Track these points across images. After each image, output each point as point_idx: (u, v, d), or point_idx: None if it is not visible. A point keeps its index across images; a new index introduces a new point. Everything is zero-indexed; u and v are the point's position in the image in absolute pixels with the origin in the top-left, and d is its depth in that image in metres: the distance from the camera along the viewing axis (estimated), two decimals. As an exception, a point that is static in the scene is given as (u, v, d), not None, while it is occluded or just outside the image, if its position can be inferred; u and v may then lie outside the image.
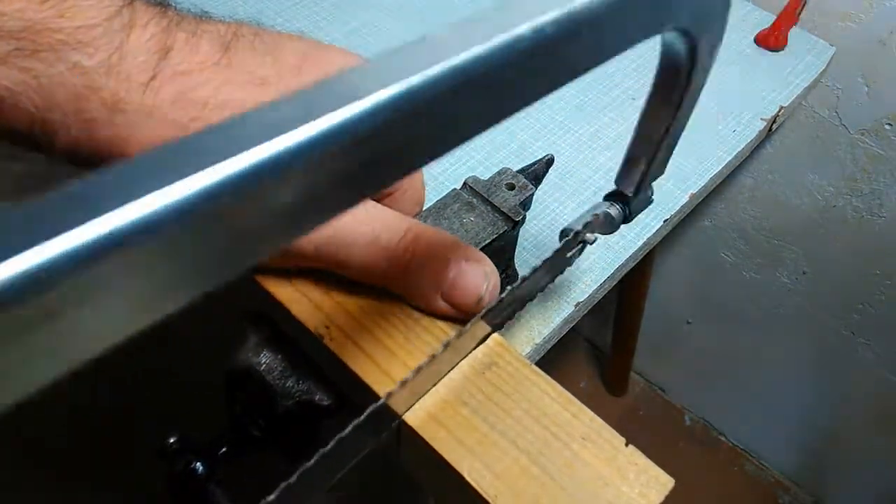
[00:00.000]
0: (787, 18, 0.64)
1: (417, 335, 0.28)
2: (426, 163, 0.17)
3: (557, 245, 0.31)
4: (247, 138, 0.12)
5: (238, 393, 0.31)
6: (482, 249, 0.35)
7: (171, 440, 0.30)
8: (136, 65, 0.25)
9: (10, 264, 0.09)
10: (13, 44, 0.23)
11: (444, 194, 0.38)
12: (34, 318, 0.10)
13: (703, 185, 0.52)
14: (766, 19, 0.66)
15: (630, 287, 0.98)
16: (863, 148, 0.72)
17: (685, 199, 0.50)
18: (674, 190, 0.51)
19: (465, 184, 0.37)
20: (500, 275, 0.42)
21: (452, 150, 0.18)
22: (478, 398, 0.27)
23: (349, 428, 0.24)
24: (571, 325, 0.45)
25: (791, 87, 0.60)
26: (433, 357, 0.27)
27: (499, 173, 0.38)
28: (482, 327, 0.28)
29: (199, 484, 0.30)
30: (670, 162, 0.53)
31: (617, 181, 0.29)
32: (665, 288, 1.05)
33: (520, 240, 0.45)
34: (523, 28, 0.16)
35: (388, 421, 0.26)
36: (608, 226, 0.32)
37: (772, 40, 0.63)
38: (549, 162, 0.40)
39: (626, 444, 0.26)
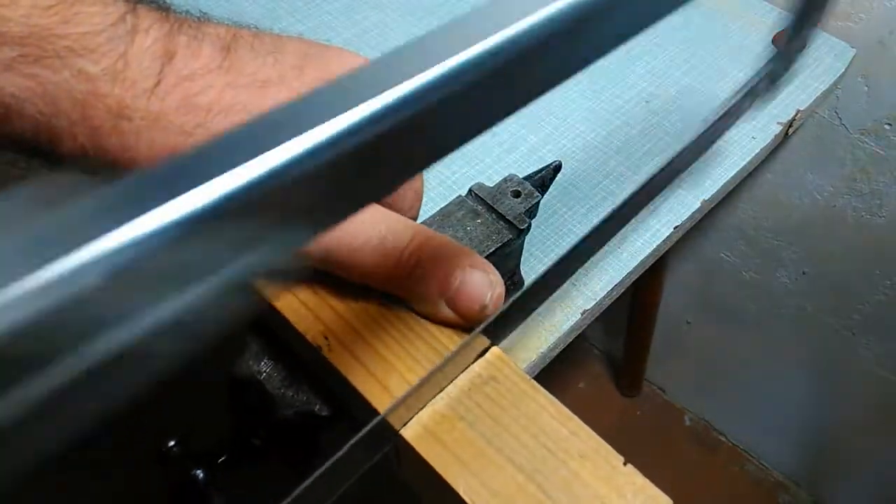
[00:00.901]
0: (807, 19, 0.62)
1: (417, 348, 0.28)
2: (448, 153, 0.17)
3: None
4: (265, 141, 0.12)
5: (238, 401, 0.31)
6: (486, 258, 0.35)
7: (171, 444, 0.30)
8: (141, 71, 0.25)
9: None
10: (18, 49, 0.23)
11: (449, 200, 0.37)
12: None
13: (716, 191, 0.51)
14: (784, 20, 0.64)
15: (643, 293, 0.98)
16: (863, 148, 0.71)
17: (697, 205, 0.50)
18: (686, 196, 0.50)
19: (470, 191, 0.37)
20: (506, 282, 0.41)
21: (477, 136, 0.17)
22: (475, 413, 0.27)
23: (347, 445, 0.24)
24: (578, 332, 0.44)
25: (809, 90, 0.59)
26: (432, 371, 0.27)
27: (505, 180, 0.38)
28: (482, 340, 0.28)
29: (199, 491, 0.30)
30: (685, 171, 0.52)
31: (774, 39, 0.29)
32: (665, 288, 1.05)
33: (526, 246, 0.45)
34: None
35: (385, 435, 0.26)
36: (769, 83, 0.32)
37: (790, 42, 0.62)
38: (556, 168, 0.40)
39: (625, 464, 0.26)
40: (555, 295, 0.44)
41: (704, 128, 0.31)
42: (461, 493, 0.24)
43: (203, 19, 0.28)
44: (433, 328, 0.29)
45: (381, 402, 0.26)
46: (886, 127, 0.68)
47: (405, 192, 0.33)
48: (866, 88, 0.67)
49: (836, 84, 0.62)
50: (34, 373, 0.10)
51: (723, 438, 1.23)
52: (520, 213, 0.36)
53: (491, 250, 0.35)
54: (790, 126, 0.57)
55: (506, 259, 0.38)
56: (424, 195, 0.49)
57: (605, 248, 0.47)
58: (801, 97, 0.58)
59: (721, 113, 0.31)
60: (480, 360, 0.28)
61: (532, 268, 0.45)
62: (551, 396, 0.27)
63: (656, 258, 0.49)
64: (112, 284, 0.10)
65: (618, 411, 1.27)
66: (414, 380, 0.27)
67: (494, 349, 0.28)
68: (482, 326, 0.28)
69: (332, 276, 0.29)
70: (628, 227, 0.48)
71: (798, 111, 0.57)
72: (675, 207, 0.49)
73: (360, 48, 0.59)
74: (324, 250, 0.27)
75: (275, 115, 0.13)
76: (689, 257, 0.98)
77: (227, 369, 0.30)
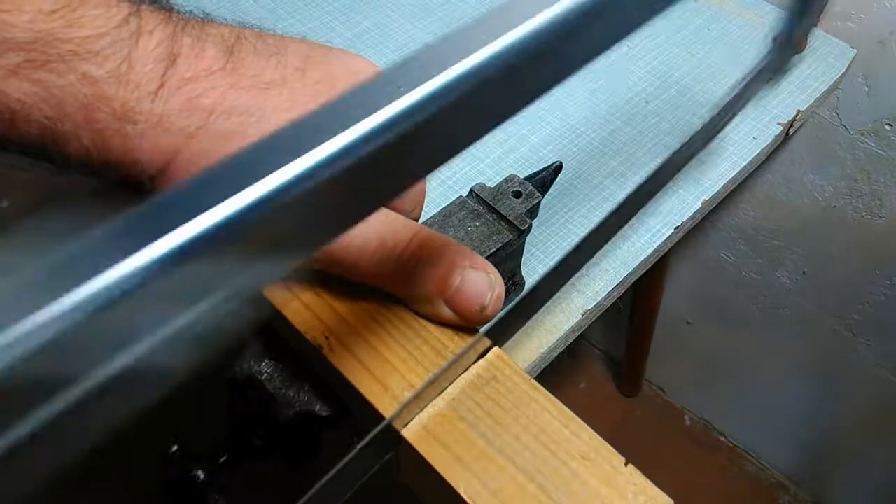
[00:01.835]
0: (807, 20, 0.62)
1: (417, 348, 0.28)
2: (455, 154, 0.17)
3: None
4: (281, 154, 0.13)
5: (239, 401, 0.31)
6: (487, 258, 0.35)
7: (173, 448, 0.30)
8: (145, 73, 0.25)
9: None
10: (23, 55, 0.23)
11: (451, 199, 0.37)
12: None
13: (716, 191, 0.51)
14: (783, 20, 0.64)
15: (644, 294, 0.98)
16: (863, 148, 0.71)
17: (697, 205, 0.50)
18: (686, 196, 0.50)
19: (471, 191, 0.37)
20: (507, 283, 0.41)
21: (482, 138, 0.18)
22: (476, 413, 0.27)
23: (347, 445, 0.24)
24: (579, 332, 0.44)
25: (810, 91, 0.59)
26: (433, 371, 0.27)
27: (506, 181, 0.38)
28: (483, 341, 0.28)
29: (200, 491, 0.30)
30: (684, 168, 0.52)
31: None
32: (665, 288, 1.05)
33: (527, 247, 0.45)
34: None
35: (386, 435, 0.26)
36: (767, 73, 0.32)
37: (791, 42, 0.62)
38: (557, 169, 0.40)
39: (626, 464, 0.26)
40: (555, 296, 0.44)
41: (699, 128, 0.31)
42: (462, 493, 0.24)
43: (207, 20, 0.28)
44: (434, 329, 0.29)
45: (381, 403, 0.26)
46: (886, 127, 0.68)
47: (408, 193, 0.33)
48: (866, 88, 0.67)
49: (836, 84, 0.62)
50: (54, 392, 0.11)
51: (723, 438, 1.23)
52: (521, 214, 0.36)
53: (492, 251, 0.35)
54: (790, 126, 0.57)
55: (507, 260, 0.38)
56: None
57: (606, 248, 0.47)
58: (801, 97, 0.58)
59: (715, 112, 0.31)
60: (481, 361, 0.28)
61: (533, 268, 0.45)
62: (552, 397, 0.27)
63: (657, 258, 0.49)
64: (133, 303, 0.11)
65: (618, 411, 1.27)
66: (415, 380, 0.27)
67: (495, 350, 0.28)
68: (485, 328, 0.28)
69: (332, 276, 0.29)
70: (628, 227, 0.48)
71: (798, 111, 0.57)
72: (676, 207, 0.49)
73: (360, 48, 0.59)
74: (324, 250, 0.27)
75: (285, 131, 0.13)
76: (689, 257, 0.98)
77: (228, 369, 0.30)
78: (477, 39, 0.15)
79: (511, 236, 0.35)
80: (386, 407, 0.26)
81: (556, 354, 0.43)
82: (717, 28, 0.64)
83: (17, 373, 0.10)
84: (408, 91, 0.14)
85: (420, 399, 0.26)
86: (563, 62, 0.17)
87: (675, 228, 0.48)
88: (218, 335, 0.13)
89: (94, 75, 0.24)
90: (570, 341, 0.44)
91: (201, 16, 0.29)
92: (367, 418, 0.27)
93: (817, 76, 0.60)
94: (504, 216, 0.36)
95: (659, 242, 0.47)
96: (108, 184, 0.27)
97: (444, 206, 0.37)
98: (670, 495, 0.25)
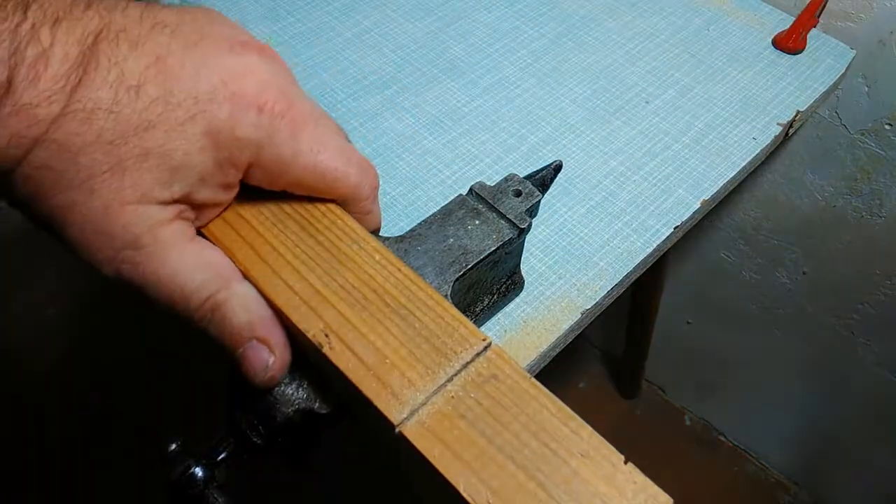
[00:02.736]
0: (806, 20, 0.62)
1: (418, 346, 0.28)
2: None
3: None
4: None
5: (238, 399, 0.31)
6: (487, 257, 0.35)
7: (172, 447, 0.30)
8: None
9: None
10: None
11: (450, 198, 0.37)
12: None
13: (715, 191, 0.51)
14: (784, 21, 0.65)
15: (643, 293, 0.98)
16: (863, 148, 0.71)
17: (697, 205, 0.50)
18: (686, 196, 0.50)
19: (471, 190, 0.37)
20: (506, 282, 0.42)
21: None
22: (476, 411, 0.26)
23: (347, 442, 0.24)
24: (578, 332, 0.44)
25: (809, 91, 0.59)
26: (433, 369, 0.27)
27: (505, 179, 0.38)
28: (483, 338, 0.28)
29: (199, 489, 0.30)
30: (684, 168, 0.52)
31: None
32: (665, 288, 1.05)
33: (527, 245, 0.45)
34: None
35: (387, 433, 0.26)
36: None
37: (790, 43, 0.62)
38: (557, 168, 0.40)
39: (626, 462, 0.26)
40: (555, 295, 0.44)
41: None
42: (462, 491, 0.24)
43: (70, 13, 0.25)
44: (434, 326, 0.29)
45: (381, 400, 0.26)
46: (886, 127, 0.68)
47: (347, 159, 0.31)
48: (866, 88, 0.67)
49: (835, 85, 0.62)
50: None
51: (723, 438, 1.23)
52: (521, 213, 0.36)
53: (492, 249, 0.35)
54: (790, 127, 0.57)
55: (506, 258, 0.38)
56: (424, 195, 0.49)
57: (605, 248, 0.47)
58: (800, 98, 0.58)
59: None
60: (481, 359, 0.28)
61: (532, 268, 0.45)
62: (552, 395, 0.27)
63: (656, 258, 0.49)
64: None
65: (618, 411, 1.27)
66: (415, 378, 0.27)
67: (495, 347, 0.28)
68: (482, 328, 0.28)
69: (333, 278, 0.29)
70: (628, 227, 0.48)
71: (798, 112, 0.57)
72: (675, 207, 0.49)
73: (360, 48, 0.59)
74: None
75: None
76: (689, 257, 0.98)
77: (228, 368, 0.30)
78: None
79: (511, 235, 0.35)
80: (384, 401, 0.26)
81: (555, 353, 0.43)
82: (717, 28, 0.64)
83: None
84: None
85: (420, 396, 0.26)
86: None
87: (674, 228, 0.48)
88: None
89: None
90: (570, 340, 0.44)
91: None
92: (367, 415, 0.27)
93: (817, 77, 0.60)
94: (504, 215, 0.36)
95: (658, 242, 0.47)
96: None
97: (443, 204, 0.37)
98: (670, 495, 0.25)
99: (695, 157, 0.53)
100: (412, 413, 0.26)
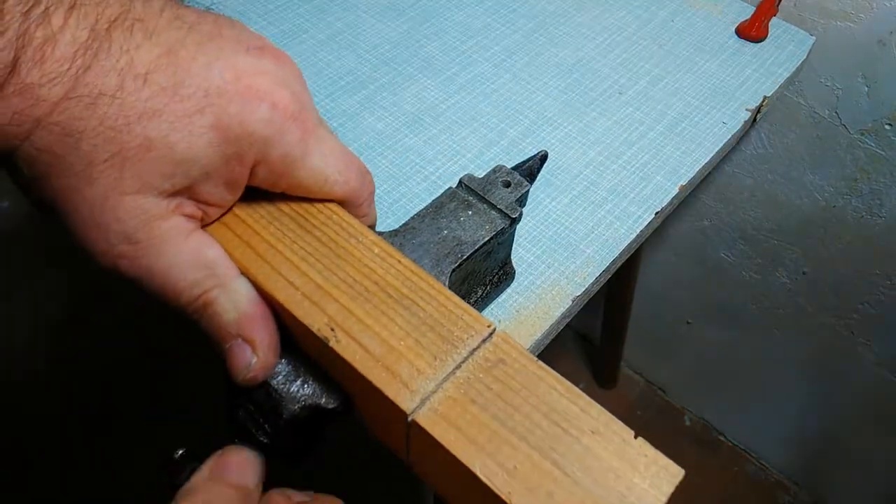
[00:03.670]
0: (767, 9, 0.64)
1: (423, 334, 0.28)
2: None
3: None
4: None
5: (242, 398, 0.30)
6: (482, 247, 0.35)
7: (179, 453, 0.29)
8: None
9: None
10: None
11: (435, 194, 0.38)
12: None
13: (692, 176, 0.52)
14: (745, 11, 0.67)
15: (619, 280, 0.99)
16: (863, 148, 0.71)
17: (675, 190, 0.51)
18: (664, 182, 0.51)
19: (460, 182, 0.37)
20: (498, 272, 0.42)
21: None
22: (486, 396, 0.27)
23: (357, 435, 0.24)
24: (568, 319, 0.45)
25: (774, 77, 0.61)
26: (441, 357, 0.27)
27: (494, 171, 0.38)
28: (488, 324, 0.28)
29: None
30: (660, 155, 0.53)
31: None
32: (665, 288, 1.04)
33: (516, 237, 0.46)
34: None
35: (398, 423, 0.26)
36: None
37: (753, 31, 0.64)
38: (543, 158, 0.41)
39: (636, 437, 0.26)
40: (545, 284, 0.44)
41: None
42: (479, 473, 0.25)
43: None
44: (438, 315, 0.29)
45: (392, 390, 0.26)
46: (886, 127, 0.68)
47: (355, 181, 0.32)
48: (866, 88, 0.67)
49: (799, 69, 0.64)
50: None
51: (723, 438, 1.23)
52: (511, 203, 0.37)
53: (486, 239, 0.35)
54: (758, 112, 0.59)
55: (499, 248, 0.39)
56: (409, 191, 0.49)
57: (591, 236, 0.47)
58: (766, 84, 0.60)
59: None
60: (487, 344, 0.28)
61: (521, 258, 0.46)
62: (559, 376, 0.28)
63: (639, 244, 0.50)
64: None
65: (618, 411, 1.27)
66: (423, 366, 0.27)
67: (500, 332, 0.29)
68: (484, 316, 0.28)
69: (334, 272, 0.29)
70: (611, 214, 0.49)
71: (765, 97, 0.59)
72: (655, 194, 0.51)
73: (334, 49, 0.59)
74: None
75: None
76: (690, 257, 0.98)
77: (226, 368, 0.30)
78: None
79: (503, 224, 0.36)
80: (394, 391, 0.26)
81: (549, 340, 0.43)
82: (682, 20, 0.65)
83: None
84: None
85: (430, 384, 0.26)
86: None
87: (655, 214, 0.49)
88: None
89: None
90: (562, 328, 0.44)
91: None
92: (376, 406, 0.27)
93: (780, 62, 0.62)
94: (495, 205, 0.37)
95: (641, 228, 0.48)
96: None
97: (432, 198, 0.37)
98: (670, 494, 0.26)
99: (670, 144, 0.54)
100: (423, 401, 0.26)
